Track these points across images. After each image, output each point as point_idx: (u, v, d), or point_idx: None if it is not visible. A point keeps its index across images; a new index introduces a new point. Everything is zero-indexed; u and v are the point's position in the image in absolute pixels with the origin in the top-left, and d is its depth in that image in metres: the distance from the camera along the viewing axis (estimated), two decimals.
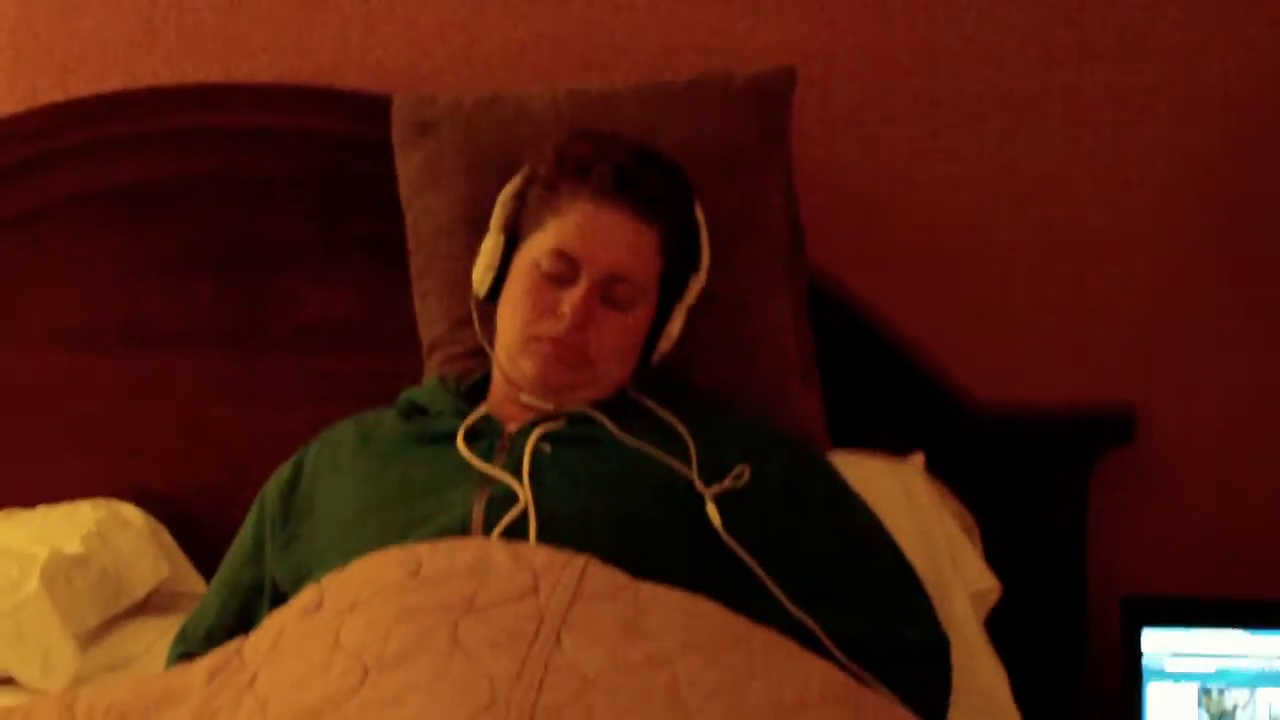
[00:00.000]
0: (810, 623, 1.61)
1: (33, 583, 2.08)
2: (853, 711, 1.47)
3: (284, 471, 1.91)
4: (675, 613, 1.51)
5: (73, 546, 2.18)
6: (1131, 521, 2.32)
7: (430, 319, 2.11)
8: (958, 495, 2.14)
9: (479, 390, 1.91)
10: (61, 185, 2.42)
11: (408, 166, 2.15)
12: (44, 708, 1.53)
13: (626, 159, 1.81)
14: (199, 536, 2.31)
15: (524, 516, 1.64)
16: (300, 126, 2.38)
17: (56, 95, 2.48)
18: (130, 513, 2.34)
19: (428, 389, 1.93)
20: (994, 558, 2.07)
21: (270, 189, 2.38)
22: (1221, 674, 2.04)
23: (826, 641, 1.60)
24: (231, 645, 1.55)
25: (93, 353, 2.42)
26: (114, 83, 2.47)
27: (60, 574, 2.12)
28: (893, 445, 2.15)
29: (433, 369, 2.08)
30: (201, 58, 2.48)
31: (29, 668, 2.06)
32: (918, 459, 2.07)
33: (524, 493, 1.66)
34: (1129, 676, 2.00)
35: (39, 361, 2.42)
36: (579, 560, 1.54)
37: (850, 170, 2.38)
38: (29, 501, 2.36)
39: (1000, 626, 2.01)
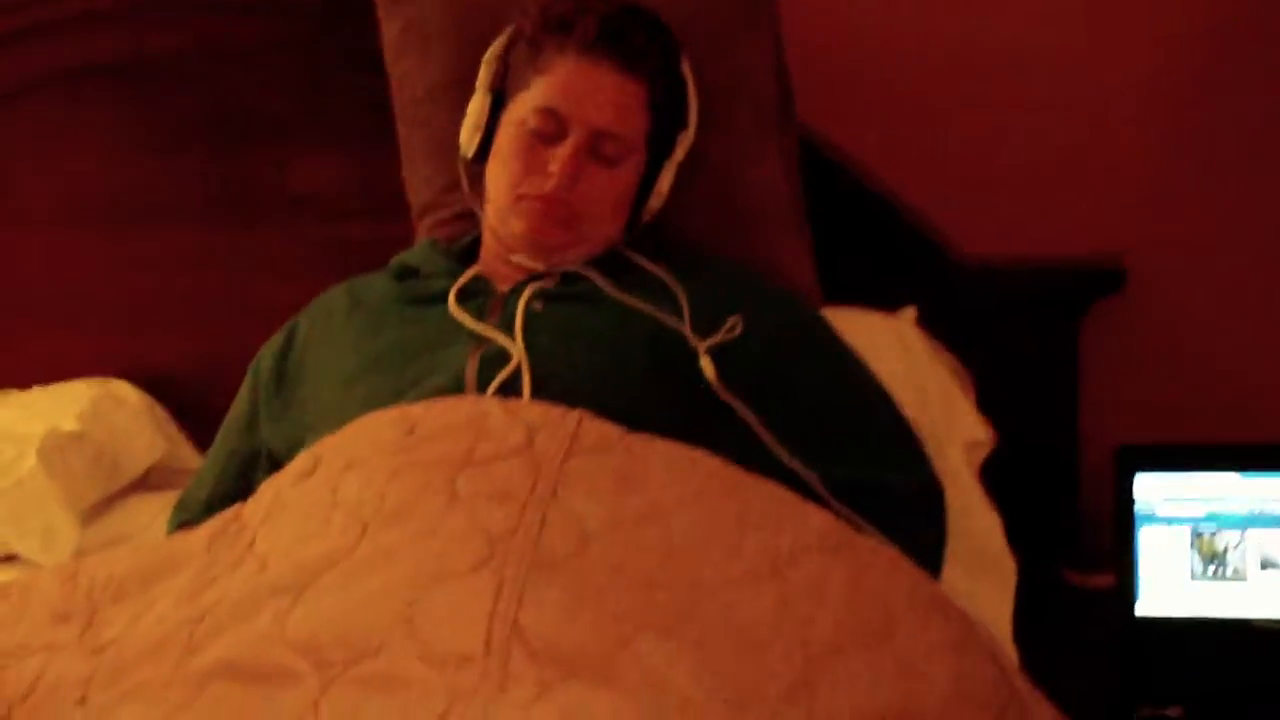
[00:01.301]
0: (806, 472, 1.61)
1: (30, 460, 2.10)
2: (850, 556, 1.48)
3: (276, 339, 1.90)
4: (671, 464, 1.51)
5: (69, 424, 2.19)
6: (1124, 372, 2.33)
7: (419, 183, 2.10)
8: (950, 349, 2.14)
9: (471, 252, 1.90)
10: (49, 59, 2.40)
11: (391, 29, 2.11)
12: (45, 580, 1.54)
13: (611, 12, 1.79)
14: (195, 410, 2.31)
15: (517, 374, 1.64)
16: None
17: None
18: (125, 390, 2.34)
19: (419, 251, 1.92)
20: (988, 410, 2.08)
21: (257, 59, 2.36)
22: (1213, 517, 2.05)
23: (822, 490, 1.60)
24: (230, 511, 1.56)
25: (84, 228, 2.42)
26: None
27: (57, 451, 2.13)
28: (884, 302, 2.15)
29: (423, 233, 2.07)
30: None
31: (30, 544, 2.07)
32: (909, 313, 2.06)
33: (517, 350, 1.66)
34: (1121, 522, 2.01)
35: (30, 238, 2.43)
36: (573, 414, 1.53)
37: (840, 25, 2.36)
38: (24, 379, 2.37)
39: (995, 477, 2.03)
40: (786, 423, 1.66)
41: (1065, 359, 2.26)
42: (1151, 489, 2.05)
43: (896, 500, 1.68)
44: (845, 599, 1.42)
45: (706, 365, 1.66)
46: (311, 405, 1.78)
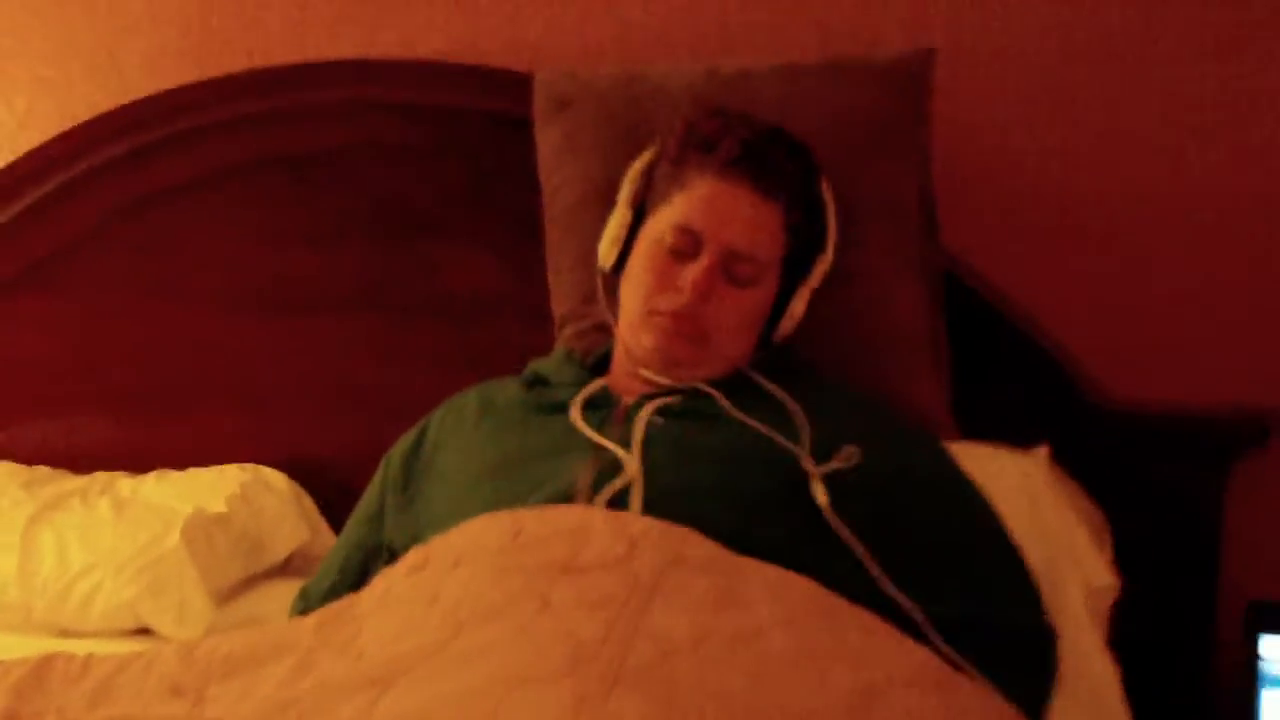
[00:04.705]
0: (909, 604, 1.59)
1: (174, 537, 2.16)
2: (944, 697, 1.45)
3: (409, 436, 1.94)
4: (771, 587, 1.50)
5: (217, 506, 2.25)
6: (1265, 526, 2.25)
7: (562, 292, 2.13)
8: (1088, 492, 2.09)
9: (603, 364, 1.93)
10: (226, 153, 2.49)
11: (546, 141, 2.17)
12: (167, 653, 1.58)
13: (753, 136, 1.81)
14: (339, 499, 2.34)
15: (629, 486, 1.64)
16: (450, 102, 2.42)
17: (230, 67, 2.57)
18: (275, 477, 2.40)
19: (553, 360, 1.95)
20: (1125, 560, 2.03)
21: (419, 160, 2.43)
22: None
23: (924, 625, 1.57)
24: (344, 600, 1.59)
25: (245, 315, 2.49)
26: (278, 57, 2.55)
27: (201, 531, 2.19)
28: (1023, 439, 2.10)
29: (563, 343, 2.10)
30: (359, 32, 2.55)
31: (165, 619, 2.12)
32: (1042, 451, 2.02)
33: (632, 463, 1.67)
34: (1246, 682, 1.94)
35: (197, 322, 2.51)
36: (678, 530, 1.53)
37: (989, 154, 2.35)
38: (181, 457, 2.43)
39: (1127, 628, 1.97)
40: (896, 556, 1.63)
41: (1208, 512, 2.20)
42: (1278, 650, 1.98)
43: (1002, 640, 1.64)
44: None
45: (819, 490, 1.64)
46: (434, 504, 1.81)
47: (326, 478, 2.42)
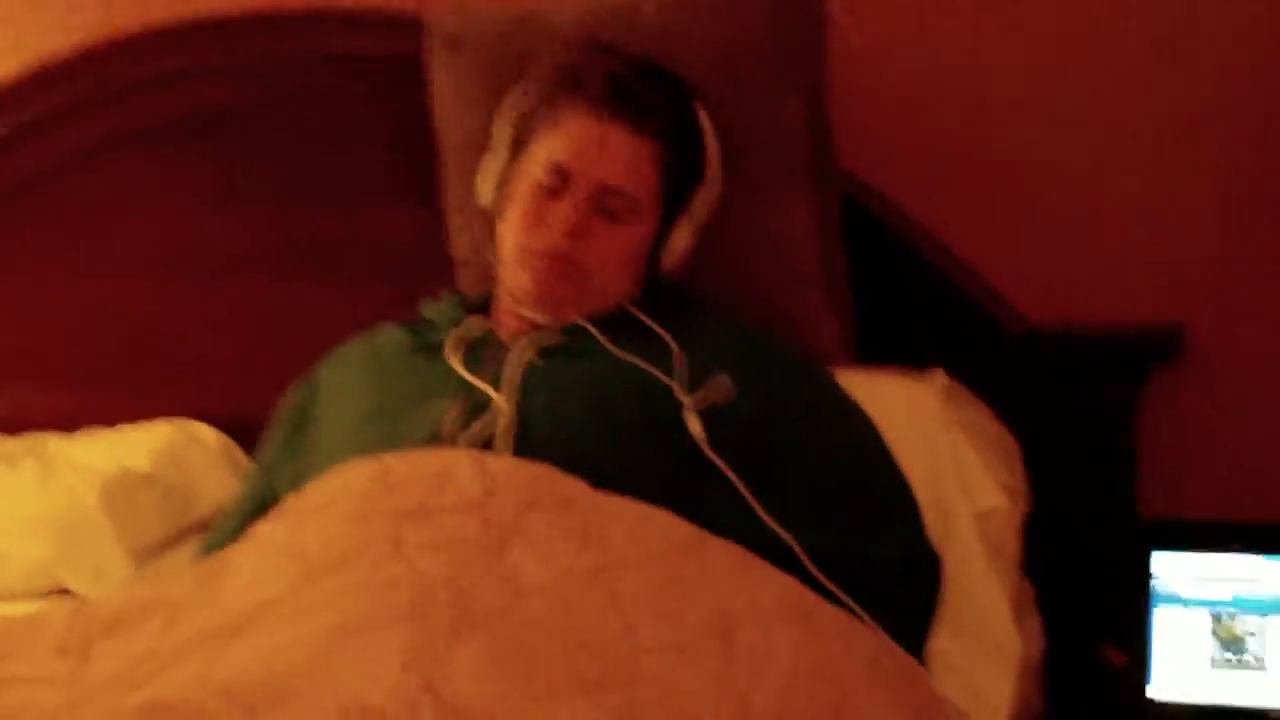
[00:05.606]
0: (785, 535, 1.57)
1: (92, 496, 2.15)
2: (806, 626, 1.43)
3: (299, 386, 1.94)
4: (632, 526, 1.48)
5: (141, 463, 2.24)
6: (1183, 444, 2.23)
7: (459, 236, 2.12)
8: (999, 414, 2.07)
9: (487, 305, 1.90)
10: (136, 116, 2.46)
11: (438, 83, 2.14)
12: (55, 615, 1.57)
13: (622, 69, 1.79)
14: None
15: (497, 426, 1.63)
16: (357, 50, 2.38)
17: (135, 25, 2.51)
18: (205, 432, 2.38)
19: (439, 303, 1.93)
20: (1039, 478, 2.02)
21: (333, 114, 2.39)
22: (1237, 600, 1.94)
23: (801, 554, 1.56)
24: (222, 552, 1.58)
25: (173, 279, 2.46)
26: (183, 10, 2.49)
27: (122, 489, 2.18)
28: (934, 364, 2.07)
29: (463, 287, 2.08)
30: None
31: (80, 579, 2.12)
32: (938, 376, 1.99)
33: (502, 402, 1.65)
34: (1136, 600, 1.92)
35: (123, 288, 2.48)
36: (540, 469, 1.52)
37: (893, 71, 2.30)
38: (109, 424, 2.40)
39: (1043, 547, 1.96)
40: (774, 486, 1.62)
41: (1122, 427, 2.17)
42: (1171, 568, 1.95)
43: (881, 569, 1.62)
44: (792, 671, 1.38)
45: (693, 422, 1.63)
46: (317, 451, 1.80)
47: (254, 442, 2.39)
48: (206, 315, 2.45)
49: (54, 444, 2.35)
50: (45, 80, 2.48)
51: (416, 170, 2.32)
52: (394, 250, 2.37)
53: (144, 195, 2.46)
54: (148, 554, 2.20)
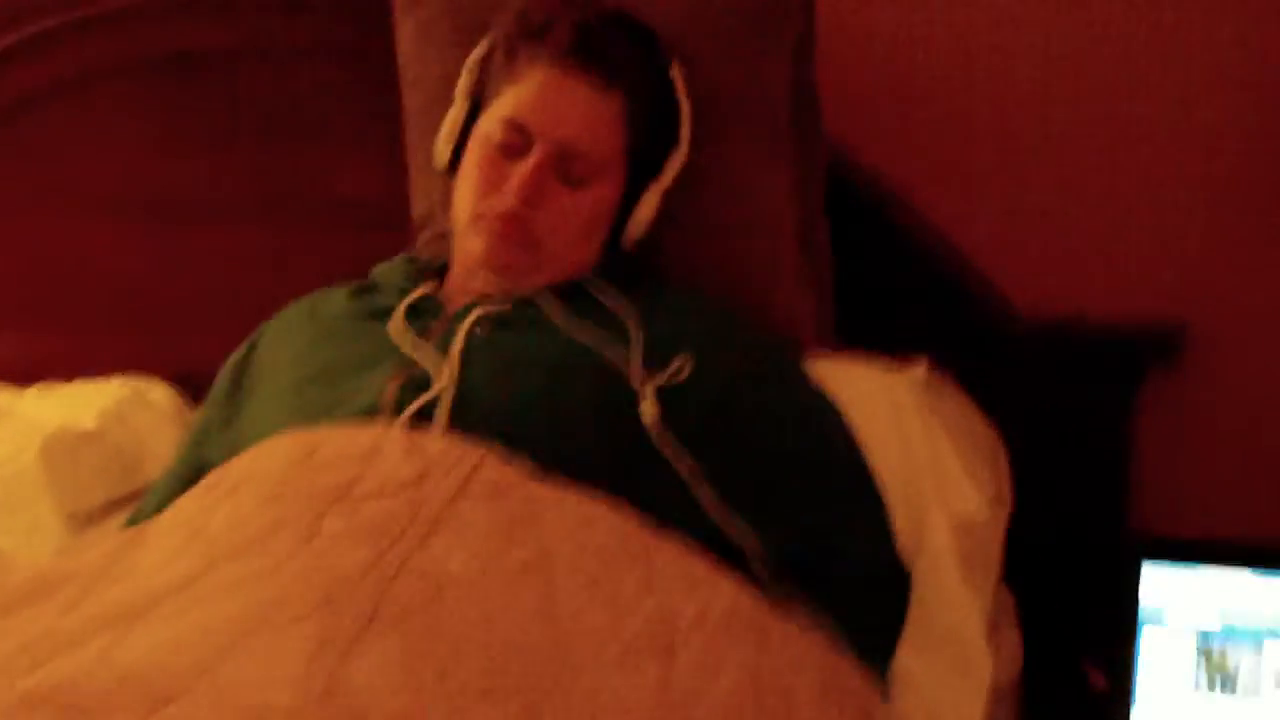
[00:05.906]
0: (738, 532, 1.48)
1: (31, 454, 2.05)
2: (754, 640, 1.34)
3: (241, 348, 1.83)
4: (569, 518, 1.38)
5: (87, 422, 2.14)
6: (1170, 450, 2.14)
7: (420, 194, 2.00)
8: (985, 411, 1.95)
9: (442, 271, 1.79)
10: (103, 52, 2.35)
11: (404, 33, 2.02)
12: None
13: (588, 20, 1.66)
14: None
15: (438, 400, 1.51)
16: None
17: None
18: (159, 392, 2.28)
19: (389, 265, 1.82)
20: (1027, 482, 1.90)
21: (305, 60, 2.28)
22: (1226, 630, 1.82)
23: (751, 556, 1.47)
24: (139, 526, 1.49)
25: (132, 224, 2.36)
26: None
27: (63, 448, 2.07)
28: (923, 352, 1.96)
29: (420, 248, 1.96)
30: None
31: (12, 539, 2.01)
32: (919, 369, 1.87)
33: (444, 375, 1.53)
34: (1123, 620, 1.80)
35: (78, 230, 2.38)
36: (475, 453, 1.41)
37: (888, 44, 2.19)
38: (67, 373, 2.32)
39: (1028, 557, 1.85)
40: (732, 479, 1.52)
41: (1115, 430, 2.08)
42: (1160, 583, 1.83)
43: (844, 576, 1.52)
44: (736, 687, 1.28)
45: (648, 407, 1.52)
46: (251, 419, 1.69)
47: None
48: (172, 261, 2.35)
49: (3, 397, 2.26)
50: (13, 11, 2.37)
51: (391, 123, 2.23)
52: (366, 204, 2.26)
53: (111, 133, 2.36)
54: (87, 518, 2.10)
